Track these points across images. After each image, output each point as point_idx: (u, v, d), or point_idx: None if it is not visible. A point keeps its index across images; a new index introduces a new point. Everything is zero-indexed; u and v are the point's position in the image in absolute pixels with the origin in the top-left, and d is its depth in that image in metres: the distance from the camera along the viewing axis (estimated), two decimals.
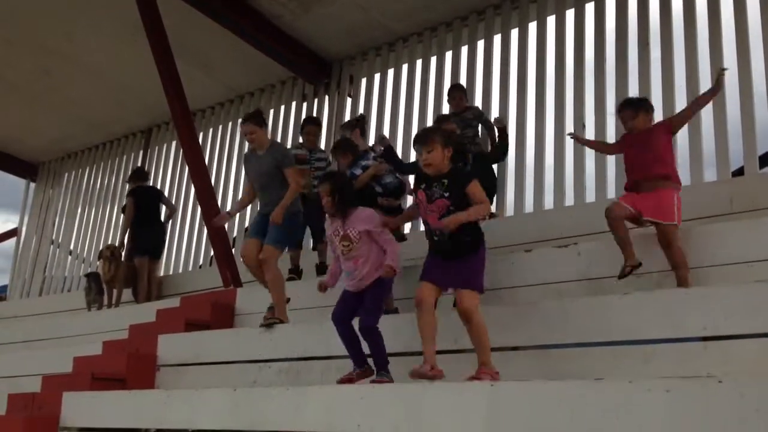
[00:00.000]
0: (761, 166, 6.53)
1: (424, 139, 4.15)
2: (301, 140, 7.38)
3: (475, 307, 4.02)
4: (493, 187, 4.75)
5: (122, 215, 9.48)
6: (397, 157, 6.08)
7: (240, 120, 5.89)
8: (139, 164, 12.13)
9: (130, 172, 10.16)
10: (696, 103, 5.13)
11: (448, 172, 4.11)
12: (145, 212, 8.90)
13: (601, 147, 6.10)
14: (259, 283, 5.95)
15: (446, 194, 4.04)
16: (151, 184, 10.26)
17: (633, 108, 4.92)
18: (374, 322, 4.46)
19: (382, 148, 5.86)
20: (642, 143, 4.78)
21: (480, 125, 7.38)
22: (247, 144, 6.16)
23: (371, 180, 5.98)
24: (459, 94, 7.50)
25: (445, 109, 8.70)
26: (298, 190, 5.83)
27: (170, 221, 10.28)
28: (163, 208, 9.61)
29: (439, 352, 4.08)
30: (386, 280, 4.59)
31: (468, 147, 7.00)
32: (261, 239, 5.75)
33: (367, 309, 4.49)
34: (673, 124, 4.97)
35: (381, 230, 4.60)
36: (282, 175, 5.79)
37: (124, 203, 9.76)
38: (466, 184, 4.06)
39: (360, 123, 6.92)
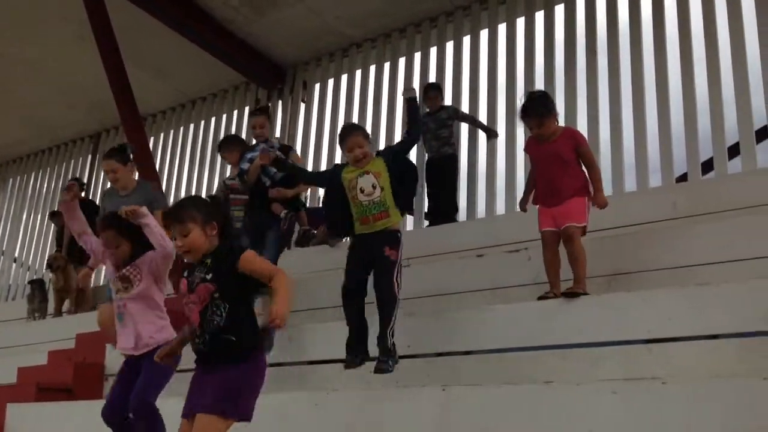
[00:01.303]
0: (704, 173, 6.72)
1: (176, 217, 3.10)
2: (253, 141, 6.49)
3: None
4: (411, 187, 4.36)
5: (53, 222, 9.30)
6: (418, 113, 4.86)
7: (104, 154, 5.19)
8: (87, 169, 11.92)
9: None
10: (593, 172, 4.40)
11: (214, 249, 3.11)
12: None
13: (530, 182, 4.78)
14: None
15: (208, 276, 3.04)
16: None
17: (536, 115, 4.35)
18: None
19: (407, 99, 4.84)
20: (553, 155, 4.34)
21: (458, 122, 7.56)
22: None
23: (261, 172, 5.61)
24: (434, 93, 7.44)
25: (398, 114, 8.78)
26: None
27: None
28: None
29: None
30: None
31: (443, 149, 7.23)
32: None
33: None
34: (580, 151, 4.36)
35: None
36: None
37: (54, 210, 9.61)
38: (235, 262, 2.99)
39: (264, 110, 6.48)
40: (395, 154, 4.29)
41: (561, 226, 4.23)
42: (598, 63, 7.50)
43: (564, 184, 4.29)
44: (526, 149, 4.65)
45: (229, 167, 9.93)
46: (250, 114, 7.02)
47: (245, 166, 5.66)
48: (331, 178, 4.37)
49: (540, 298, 4.20)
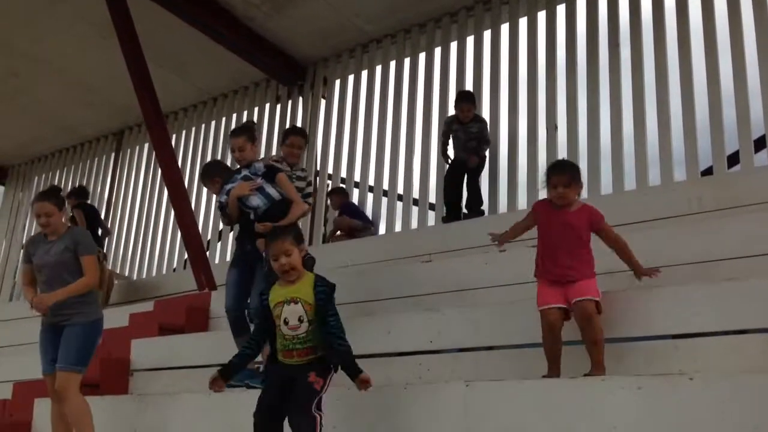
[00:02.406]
0: (729, 166, 6.63)
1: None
2: (281, 153, 6.02)
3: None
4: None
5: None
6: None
7: (36, 197, 4.85)
8: (111, 167, 12.03)
9: (70, 189, 10.12)
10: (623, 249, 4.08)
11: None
12: (90, 228, 8.82)
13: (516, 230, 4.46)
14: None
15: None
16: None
17: (571, 174, 4.06)
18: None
19: None
20: (566, 227, 4.00)
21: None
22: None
23: (241, 203, 5.02)
24: (466, 105, 7.42)
25: (419, 110, 8.77)
26: (93, 285, 4.70)
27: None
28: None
29: None
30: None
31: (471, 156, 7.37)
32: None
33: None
34: (601, 229, 4.05)
35: None
36: (79, 267, 4.64)
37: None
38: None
39: (250, 130, 5.41)
40: (322, 313, 3.61)
41: (572, 300, 3.79)
42: (621, 56, 7.42)
43: (574, 264, 3.89)
44: (536, 208, 4.22)
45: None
46: (288, 131, 6.06)
47: (224, 198, 5.12)
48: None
49: (544, 377, 3.79)
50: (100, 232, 9.60)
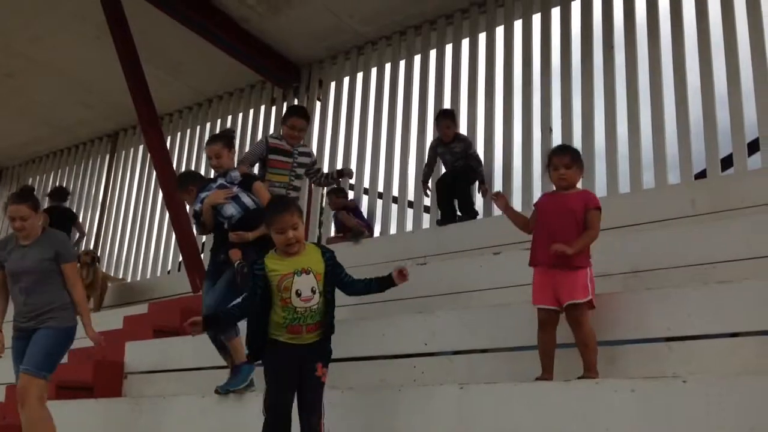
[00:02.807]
0: (723, 169, 6.65)
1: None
2: (281, 132, 6.06)
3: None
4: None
5: None
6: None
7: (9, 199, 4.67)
8: (105, 169, 12.01)
9: (50, 190, 10.16)
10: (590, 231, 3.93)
11: None
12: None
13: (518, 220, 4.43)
14: None
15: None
16: (67, 205, 10.22)
17: (573, 157, 4.08)
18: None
19: None
20: (566, 212, 3.96)
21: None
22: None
23: (215, 211, 4.89)
24: (446, 121, 7.28)
25: (414, 112, 8.77)
26: (82, 300, 4.65)
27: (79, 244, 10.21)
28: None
29: None
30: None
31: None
32: None
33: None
34: (591, 214, 3.95)
35: None
36: (59, 274, 4.54)
37: None
38: None
39: (227, 137, 5.32)
40: (337, 276, 3.68)
41: (563, 303, 3.77)
42: (615, 59, 7.44)
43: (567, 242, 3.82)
44: (538, 203, 4.26)
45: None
46: (290, 110, 6.16)
47: (198, 206, 4.97)
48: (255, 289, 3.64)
49: (537, 379, 3.73)
50: (76, 236, 9.60)
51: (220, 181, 4.97)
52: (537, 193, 7.52)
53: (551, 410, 3.37)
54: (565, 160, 4.02)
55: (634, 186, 6.91)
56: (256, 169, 5.88)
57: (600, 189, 7.12)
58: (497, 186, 7.77)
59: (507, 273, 5.10)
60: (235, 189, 4.88)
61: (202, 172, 10.57)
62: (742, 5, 6.77)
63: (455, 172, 7.42)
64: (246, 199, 4.86)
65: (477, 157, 7.53)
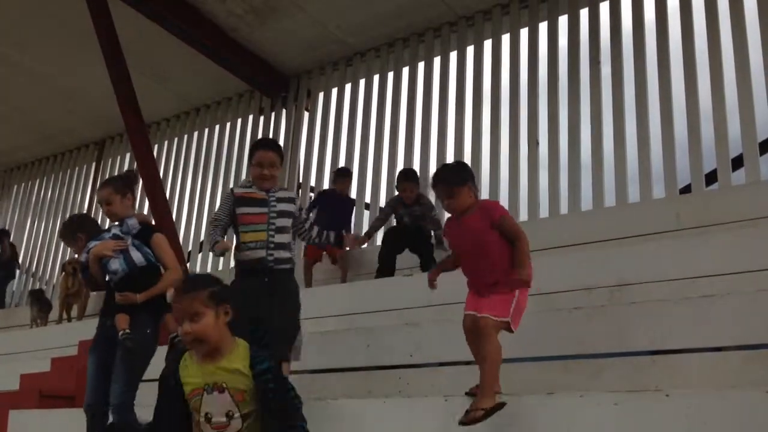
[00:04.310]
0: (707, 184, 6.72)
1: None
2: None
3: None
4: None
5: None
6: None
7: None
8: (91, 177, 11.96)
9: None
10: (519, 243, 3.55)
11: None
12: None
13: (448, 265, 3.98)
14: None
15: None
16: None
17: (445, 184, 3.64)
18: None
19: None
20: (469, 235, 3.61)
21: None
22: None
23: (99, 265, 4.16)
24: (409, 184, 6.71)
25: (402, 123, 8.80)
26: None
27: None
28: None
29: None
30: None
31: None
32: None
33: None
34: (501, 226, 3.55)
35: None
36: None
37: None
38: None
39: (129, 180, 4.56)
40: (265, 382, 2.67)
41: (480, 314, 3.44)
42: (601, 73, 7.51)
43: (494, 275, 3.50)
44: (445, 234, 3.93)
45: (232, 177, 10.03)
46: (256, 145, 4.63)
47: (84, 257, 4.28)
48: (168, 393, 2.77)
49: (467, 394, 3.53)
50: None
51: (115, 230, 4.24)
52: (524, 206, 7.57)
53: (535, 423, 3.37)
54: (443, 191, 3.65)
55: (620, 200, 6.97)
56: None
57: (586, 202, 7.17)
58: (484, 197, 7.78)
59: None
60: (129, 241, 4.16)
61: (193, 181, 10.59)
62: (727, 23, 6.87)
63: (415, 229, 6.79)
64: (136, 254, 4.13)
65: (438, 221, 6.67)
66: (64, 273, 8.60)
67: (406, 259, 6.88)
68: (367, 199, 8.85)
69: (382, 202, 8.66)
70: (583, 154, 7.36)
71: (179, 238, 8.80)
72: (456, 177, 3.65)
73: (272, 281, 4.10)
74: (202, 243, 10.19)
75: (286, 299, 4.12)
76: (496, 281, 3.48)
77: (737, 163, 6.60)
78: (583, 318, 3.92)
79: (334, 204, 7.62)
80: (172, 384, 2.68)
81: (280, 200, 4.30)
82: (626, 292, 4.59)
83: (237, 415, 2.60)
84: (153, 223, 4.76)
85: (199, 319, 2.58)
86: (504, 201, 7.73)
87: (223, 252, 4.23)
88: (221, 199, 4.65)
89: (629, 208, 6.68)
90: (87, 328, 7.29)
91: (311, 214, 7.15)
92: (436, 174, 3.79)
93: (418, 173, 7.75)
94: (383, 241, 7.06)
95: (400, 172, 7.18)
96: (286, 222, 4.27)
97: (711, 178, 6.73)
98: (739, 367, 3.54)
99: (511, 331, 3.49)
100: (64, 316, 8.55)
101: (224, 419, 2.59)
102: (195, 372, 2.65)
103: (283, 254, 4.18)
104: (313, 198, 7.85)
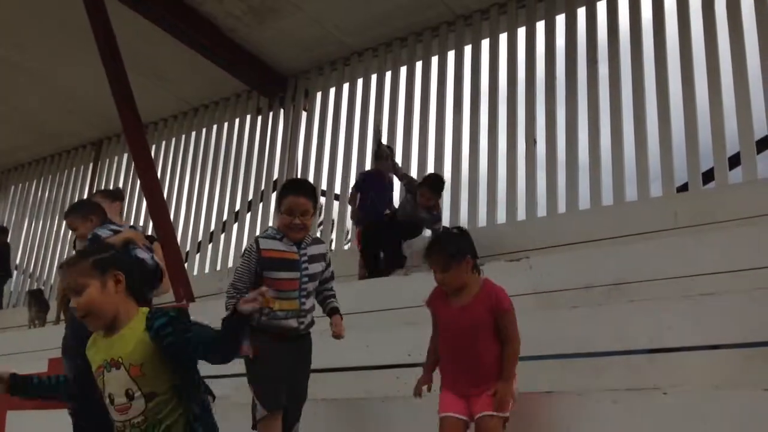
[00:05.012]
0: (705, 183, 6.73)
1: None
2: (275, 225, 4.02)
3: None
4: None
5: None
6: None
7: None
8: (89, 177, 11.94)
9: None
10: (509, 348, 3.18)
11: None
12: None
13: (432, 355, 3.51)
14: None
15: None
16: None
17: (442, 254, 3.25)
18: None
19: None
20: (463, 323, 3.20)
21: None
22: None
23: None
24: (433, 195, 6.60)
25: (400, 123, 8.80)
26: None
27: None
28: None
29: None
30: None
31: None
32: None
33: None
34: (504, 319, 3.19)
35: None
36: None
37: None
38: None
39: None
40: (175, 349, 2.33)
41: (476, 414, 3.11)
42: (599, 72, 7.52)
43: (481, 372, 3.15)
44: (429, 303, 3.43)
45: (230, 178, 10.02)
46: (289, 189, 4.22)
47: (105, 234, 4.26)
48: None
49: None
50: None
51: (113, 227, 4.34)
52: (522, 206, 7.57)
53: (534, 421, 3.37)
54: (438, 262, 3.24)
55: (617, 198, 6.97)
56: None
57: (584, 201, 7.18)
58: (482, 196, 7.79)
59: None
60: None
61: (191, 182, 10.58)
62: (724, 22, 6.88)
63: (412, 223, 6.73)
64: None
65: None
66: (62, 270, 8.59)
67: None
68: None
69: None
70: (580, 153, 7.37)
71: (177, 239, 8.77)
72: (454, 248, 3.24)
73: (299, 346, 3.70)
74: (200, 243, 10.18)
75: (307, 363, 3.76)
76: (484, 384, 3.12)
77: (734, 161, 6.61)
78: (582, 317, 3.92)
79: (379, 185, 7.31)
80: (79, 363, 2.47)
81: (312, 259, 3.70)
82: (624, 291, 4.60)
83: (138, 393, 2.27)
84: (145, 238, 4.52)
85: (82, 290, 2.36)
86: (502, 200, 7.75)
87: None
88: (244, 255, 3.71)
89: (627, 206, 6.70)
90: None
91: (357, 196, 7.26)
92: (432, 242, 3.41)
93: (416, 173, 7.75)
94: (368, 240, 6.80)
95: (430, 179, 6.80)
96: (316, 283, 3.74)
97: (708, 176, 6.75)
98: (738, 366, 3.55)
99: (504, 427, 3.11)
100: (62, 316, 8.53)
101: (125, 399, 2.28)
102: (99, 348, 2.41)
103: (311, 317, 3.72)
104: (357, 180, 7.66)
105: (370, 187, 7.28)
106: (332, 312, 3.78)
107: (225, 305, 3.58)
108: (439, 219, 6.71)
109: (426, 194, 6.55)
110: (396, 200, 7.38)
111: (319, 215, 8.45)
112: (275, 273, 3.57)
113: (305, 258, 3.64)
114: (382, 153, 7.44)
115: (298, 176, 9.63)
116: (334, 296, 3.84)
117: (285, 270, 3.59)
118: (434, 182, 6.72)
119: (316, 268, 3.70)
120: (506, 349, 3.16)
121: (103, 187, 11.58)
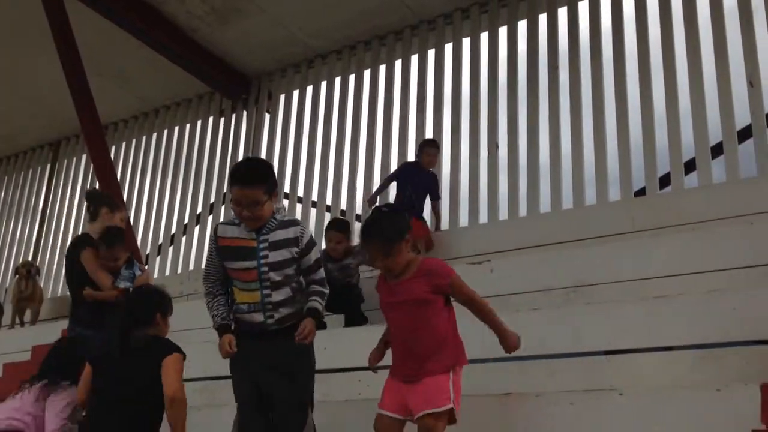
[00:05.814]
0: (661, 187, 6.86)
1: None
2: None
3: None
4: None
5: None
6: None
7: None
8: (46, 178, 11.70)
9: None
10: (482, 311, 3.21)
11: None
12: None
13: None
14: None
15: None
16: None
17: (382, 240, 3.12)
18: None
19: None
20: (404, 303, 3.13)
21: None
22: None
23: None
24: (336, 235, 5.55)
25: (363, 126, 8.80)
26: None
27: None
28: None
29: None
30: None
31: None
32: None
33: None
34: (449, 287, 3.14)
35: None
36: None
37: None
38: None
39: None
40: None
41: (416, 414, 3.02)
42: (559, 78, 7.62)
43: (423, 347, 3.08)
44: (378, 288, 3.31)
45: (192, 180, 9.90)
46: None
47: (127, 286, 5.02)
48: None
49: None
50: None
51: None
52: (484, 209, 7.62)
53: (491, 423, 3.40)
54: (376, 249, 3.14)
55: (577, 202, 7.07)
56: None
57: (544, 205, 7.26)
58: (444, 200, 7.83)
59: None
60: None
61: (151, 183, 10.43)
62: (681, 30, 7.03)
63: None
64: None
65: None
66: (17, 276, 8.40)
67: None
68: (329, 201, 8.83)
69: (343, 205, 8.65)
70: (541, 158, 7.45)
71: (137, 241, 8.65)
72: (394, 231, 3.10)
73: (275, 344, 3.36)
74: (160, 246, 10.05)
75: (287, 365, 3.36)
76: (434, 363, 3.04)
77: (690, 166, 6.75)
78: (540, 319, 3.96)
79: (417, 178, 6.79)
80: None
81: (275, 246, 3.35)
82: (582, 293, 4.66)
83: None
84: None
85: None
86: (464, 204, 7.80)
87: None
88: (208, 242, 3.59)
89: (586, 210, 6.79)
90: (41, 333, 7.16)
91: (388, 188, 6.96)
92: (368, 227, 3.19)
93: (379, 176, 7.69)
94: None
95: (330, 221, 6.14)
96: (286, 272, 3.36)
97: (665, 181, 6.87)
98: (691, 367, 3.62)
99: (454, 421, 3.02)
100: (17, 320, 8.35)
101: None
102: None
103: (288, 310, 3.38)
104: (395, 170, 7.19)
105: (408, 180, 6.73)
106: (307, 313, 3.40)
107: (206, 305, 3.52)
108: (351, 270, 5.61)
109: (331, 237, 5.56)
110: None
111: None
112: (230, 263, 3.39)
113: (264, 245, 3.33)
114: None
115: None
116: (316, 293, 3.46)
117: (240, 259, 3.35)
118: (331, 222, 5.99)
119: (281, 255, 3.34)
120: (473, 309, 3.15)
121: (60, 190, 11.43)
